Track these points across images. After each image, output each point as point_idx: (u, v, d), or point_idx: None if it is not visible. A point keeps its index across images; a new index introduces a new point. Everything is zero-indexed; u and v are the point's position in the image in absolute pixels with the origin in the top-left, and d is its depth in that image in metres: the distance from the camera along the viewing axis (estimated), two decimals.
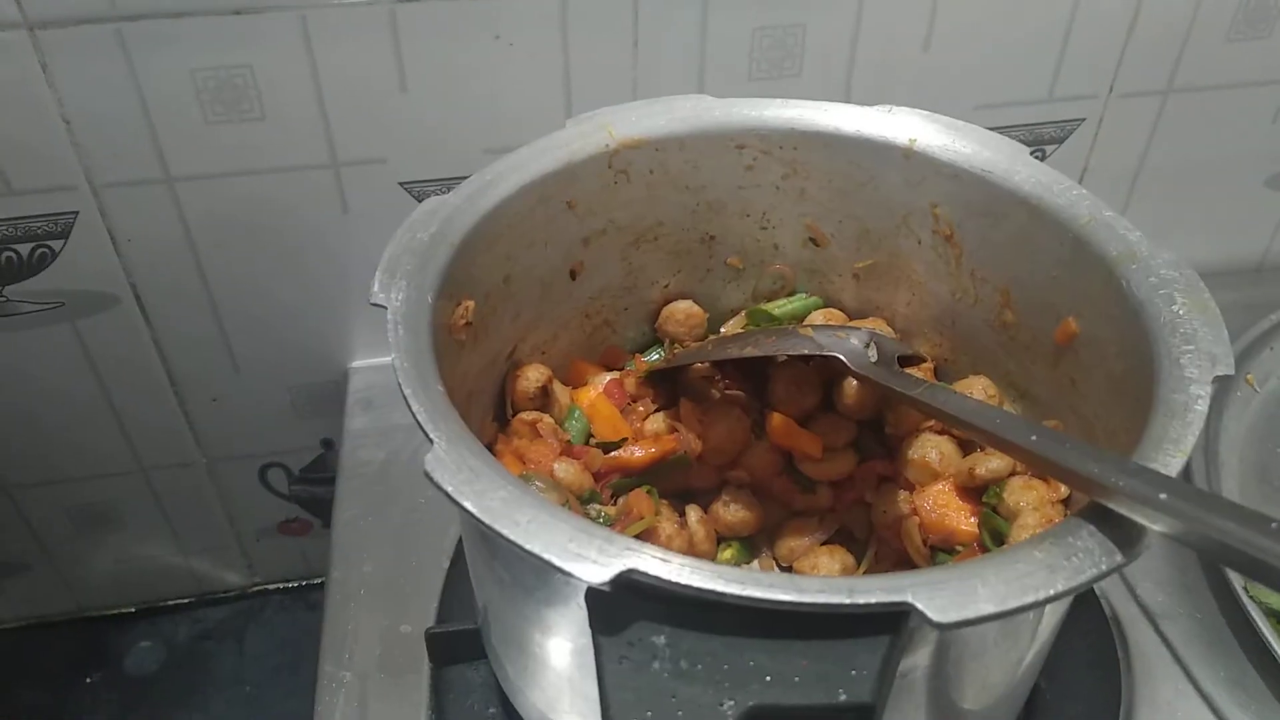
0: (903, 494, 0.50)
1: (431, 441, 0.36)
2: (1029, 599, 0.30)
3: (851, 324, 0.56)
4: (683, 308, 0.59)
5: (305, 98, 0.63)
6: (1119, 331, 0.43)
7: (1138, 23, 0.70)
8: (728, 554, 0.53)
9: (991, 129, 0.69)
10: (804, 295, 0.59)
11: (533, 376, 0.54)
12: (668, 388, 0.56)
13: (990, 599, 0.30)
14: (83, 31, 0.58)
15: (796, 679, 0.30)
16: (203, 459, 0.81)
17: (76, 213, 0.65)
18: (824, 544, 0.51)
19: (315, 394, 0.79)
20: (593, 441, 0.54)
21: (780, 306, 0.59)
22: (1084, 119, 0.74)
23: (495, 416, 0.54)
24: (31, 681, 0.87)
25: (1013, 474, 0.47)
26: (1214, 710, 0.53)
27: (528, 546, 0.32)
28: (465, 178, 0.67)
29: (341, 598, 0.62)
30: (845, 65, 0.68)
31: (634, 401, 0.55)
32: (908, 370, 0.50)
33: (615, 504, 0.52)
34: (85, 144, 0.62)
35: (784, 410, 0.52)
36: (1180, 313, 0.40)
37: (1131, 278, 0.42)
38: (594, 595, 0.32)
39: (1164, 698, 0.53)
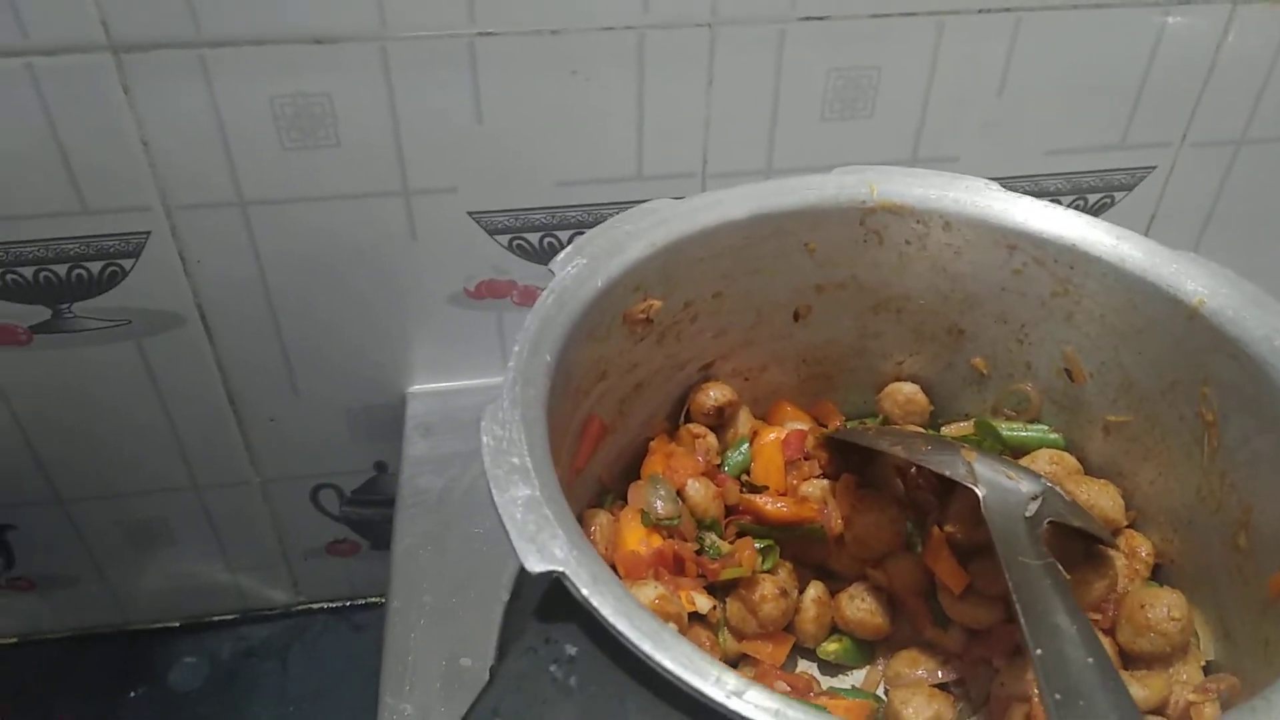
0: (1032, 676, 0.43)
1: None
2: None
3: (1026, 464, 0.51)
4: (906, 390, 0.57)
5: (381, 126, 0.63)
6: None
7: (1215, 71, 0.69)
8: (834, 647, 0.52)
9: (1061, 174, 0.69)
10: (1045, 429, 0.55)
11: (713, 394, 0.55)
12: (849, 460, 0.54)
13: None
14: (166, 56, 0.59)
15: None
16: (257, 478, 0.81)
17: (149, 233, 0.65)
18: (937, 686, 0.48)
19: (371, 417, 0.79)
20: (745, 479, 0.54)
21: (1012, 429, 0.55)
22: (1155, 166, 0.73)
23: (670, 416, 0.56)
24: (75, 694, 0.87)
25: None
26: None
27: None
28: (535, 210, 0.69)
29: (402, 628, 0.61)
30: (919, 108, 0.68)
31: (807, 459, 0.54)
32: (1090, 549, 0.45)
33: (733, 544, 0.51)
34: (162, 166, 0.63)
35: (953, 533, 0.49)
36: None
37: None
38: (553, 584, 0.33)
39: None
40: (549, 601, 0.35)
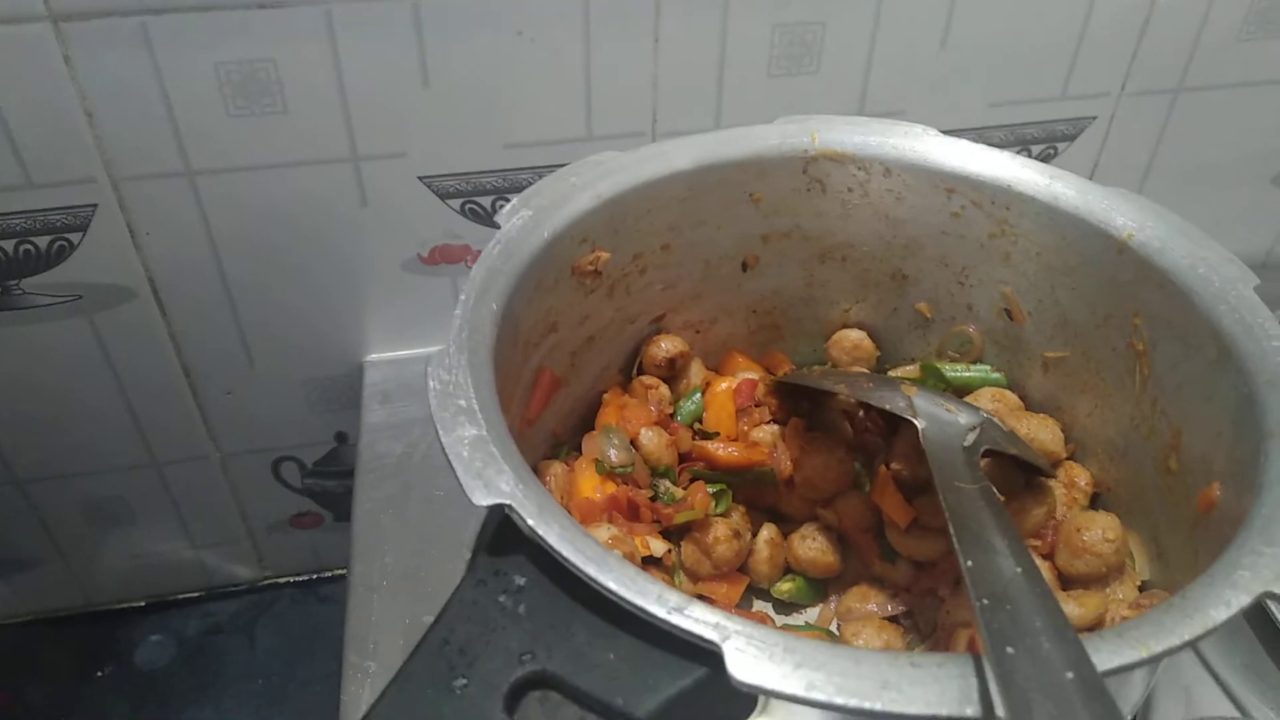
0: None
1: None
2: (838, 700, 0.28)
3: (969, 401, 0.52)
4: (853, 337, 0.58)
5: (328, 91, 0.63)
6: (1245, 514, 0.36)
7: (1151, 21, 0.71)
8: (787, 586, 0.53)
9: (1005, 126, 0.71)
10: (987, 369, 0.56)
11: (665, 346, 0.56)
12: (799, 407, 0.55)
13: (801, 682, 0.28)
14: (107, 24, 0.58)
15: (596, 665, 0.32)
16: (216, 453, 0.81)
17: (95, 205, 0.65)
18: (887, 619, 0.49)
19: (329, 387, 0.79)
20: (697, 427, 0.55)
21: (955, 370, 0.56)
22: (1096, 117, 0.75)
23: (623, 369, 0.57)
24: (42, 676, 0.87)
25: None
26: (1230, 696, 0.53)
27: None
28: (486, 173, 0.69)
29: (364, 590, 0.62)
30: (863, 63, 0.68)
31: (757, 406, 0.55)
32: (1030, 480, 0.46)
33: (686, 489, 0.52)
34: (106, 137, 0.62)
35: (899, 470, 0.50)
36: None
37: (1272, 456, 0.37)
38: (502, 518, 0.34)
39: (1181, 684, 0.54)
40: (498, 536, 0.36)
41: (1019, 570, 0.33)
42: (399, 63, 0.63)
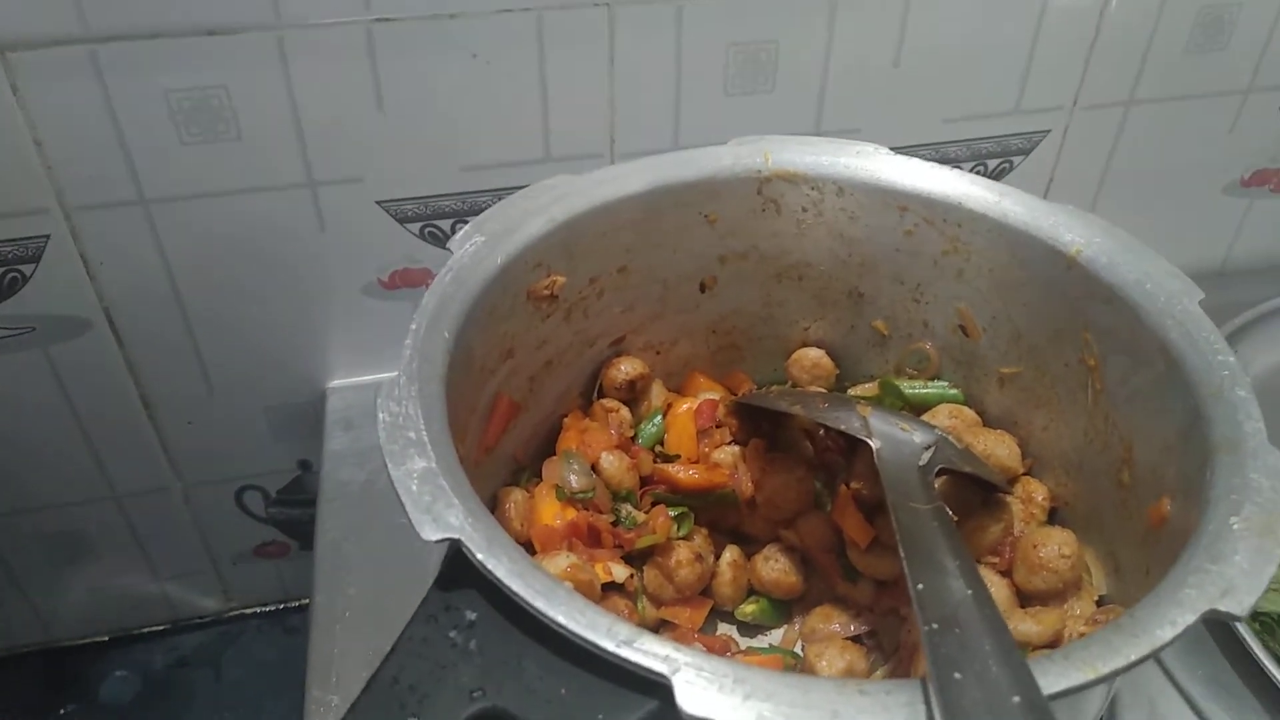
0: None
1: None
2: None
3: (927, 420, 0.52)
4: (812, 355, 0.59)
5: (281, 117, 0.63)
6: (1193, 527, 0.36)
7: (1100, 35, 0.72)
8: (751, 608, 0.53)
9: (960, 141, 0.71)
10: (945, 385, 0.56)
11: (624, 368, 0.55)
12: (760, 427, 0.55)
13: (751, 713, 0.28)
14: (55, 54, 0.57)
15: (548, 700, 0.31)
16: (178, 483, 0.80)
17: (48, 236, 0.64)
18: (850, 639, 0.49)
19: (292, 415, 0.78)
20: (658, 450, 0.55)
21: (913, 387, 0.56)
22: (1049, 130, 0.76)
23: (583, 393, 0.57)
24: (4, 715, 0.85)
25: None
26: (1194, 708, 0.54)
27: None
28: (444, 196, 0.69)
29: (326, 621, 0.61)
30: (819, 81, 0.69)
31: (718, 427, 0.55)
32: (988, 497, 0.47)
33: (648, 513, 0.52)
34: (58, 167, 0.61)
35: (859, 489, 0.50)
36: (1234, 527, 0.34)
37: (1219, 470, 0.37)
38: (454, 552, 0.34)
39: (1145, 694, 0.54)
40: (449, 571, 0.35)
41: (969, 593, 0.33)
42: (353, 87, 0.63)
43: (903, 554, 0.36)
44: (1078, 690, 0.29)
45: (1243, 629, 0.54)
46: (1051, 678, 0.29)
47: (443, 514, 0.34)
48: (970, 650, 0.30)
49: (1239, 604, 0.31)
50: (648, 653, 0.30)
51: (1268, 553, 0.33)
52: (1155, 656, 0.30)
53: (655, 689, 0.30)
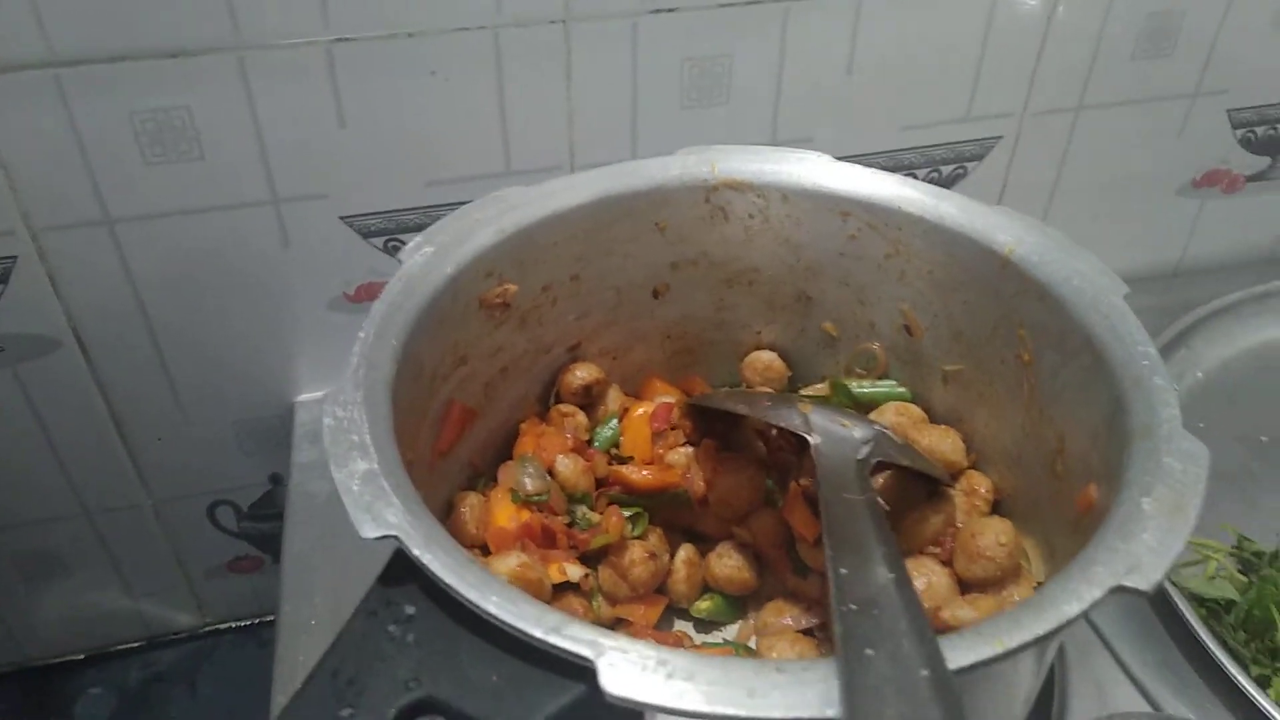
0: None
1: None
2: (705, 709, 0.29)
3: (873, 419, 0.53)
4: (765, 358, 0.60)
5: (244, 136, 0.64)
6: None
7: (1047, 42, 0.73)
8: (706, 605, 0.54)
9: (915, 148, 0.73)
10: (893, 384, 0.58)
11: (580, 374, 0.57)
12: (714, 428, 0.56)
13: (671, 691, 0.29)
14: (19, 78, 0.59)
15: (481, 688, 0.32)
16: (149, 500, 0.80)
17: (15, 258, 0.65)
18: (802, 632, 0.50)
19: (261, 429, 0.79)
20: (614, 452, 0.56)
21: (861, 387, 0.58)
22: (1001, 136, 0.77)
23: (540, 398, 0.58)
24: None
25: None
26: (1144, 693, 0.55)
27: None
28: (407, 210, 0.70)
29: (293, 632, 0.62)
30: (773, 92, 0.70)
31: (673, 430, 0.56)
32: (933, 491, 0.48)
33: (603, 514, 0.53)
34: (23, 189, 0.62)
35: (806, 485, 0.51)
36: (1144, 507, 0.36)
37: (1135, 455, 0.38)
38: (395, 551, 0.35)
39: (1094, 680, 0.55)
40: (390, 568, 0.36)
41: (891, 577, 0.34)
42: (314, 105, 0.64)
43: (827, 540, 0.37)
44: (986, 664, 0.30)
45: (1189, 615, 0.55)
46: (960, 652, 0.30)
47: (382, 513, 0.35)
48: (885, 630, 0.31)
49: (1145, 580, 0.32)
50: (574, 638, 0.31)
51: (1176, 531, 0.34)
52: (1062, 631, 0.31)
53: (583, 674, 0.31)
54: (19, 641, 0.86)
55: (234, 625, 0.91)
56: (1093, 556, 0.33)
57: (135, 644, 0.89)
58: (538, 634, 0.31)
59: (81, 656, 0.88)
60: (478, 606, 0.32)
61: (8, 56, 0.58)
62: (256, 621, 0.91)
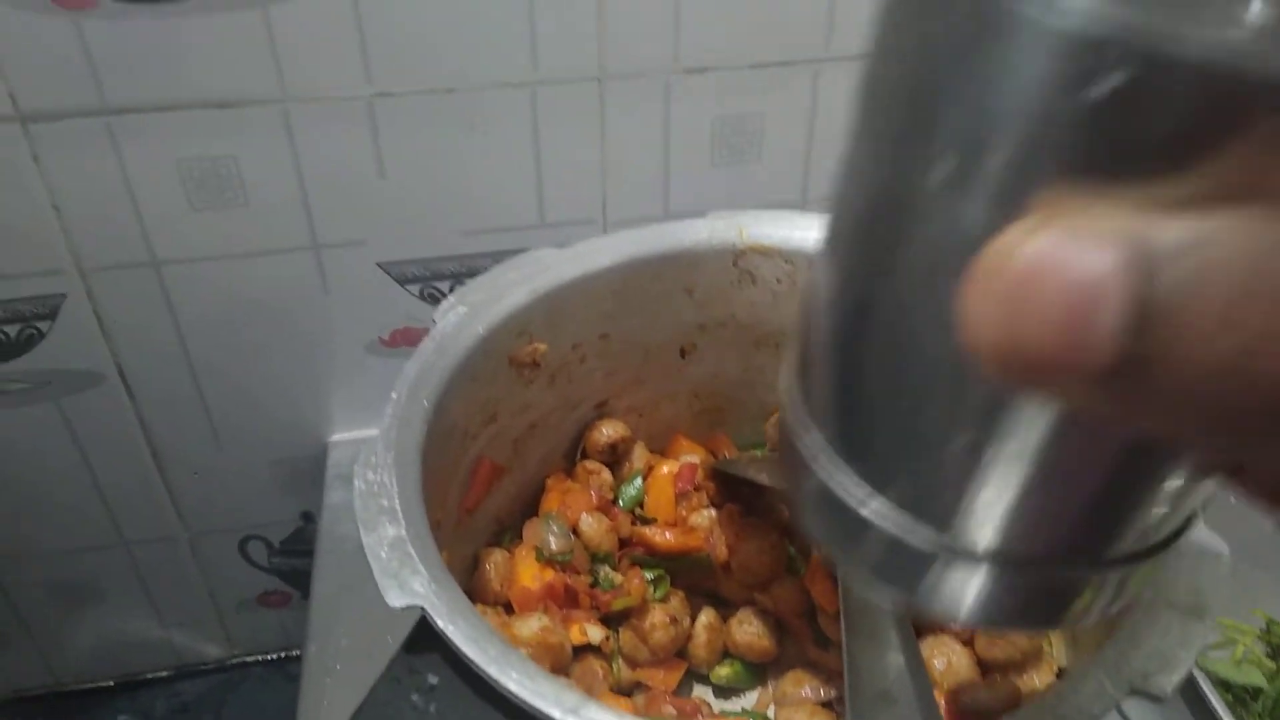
0: None
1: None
2: None
3: None
4: None
5: (287, 184, 0.66)
6: None
7: None
8: (725, 671, 0.54)
9: None
10: None
11: (606, 431, 0.57)
12: (739, 490, 0.56)
13: None
14: (74, 124, 0.61)
15: None
16: (184, 532, 0.82)
17: (64, 295, 0.67)
18: (821, 705, 0.49)
19: (295, 467, 0.80)
20: (638, 512, 0.56)
21: None
22: None
23: (567, 454, 0.59)
24: None
25: None
26: None
27: None
28: (443, 259, 0.71)
29: (318, 672, 0.62)
30: (804, 151, 0.71)
31: (697, 490, 0.57)
32: None
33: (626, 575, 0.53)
34: (74, 230, 0.65)
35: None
36: (1163, 608, 0.35)
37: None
38: (419, 620, 0.36)
39: None
40: (415, 635, 0.37)
41: (907, 667, 0.34)
42: (356, 156, 0.65)
43: (844, 625, 0.37)
44: None
45: (1215, 701, 0.54)
46: None
47: (408, 581, 0.36)
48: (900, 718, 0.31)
49: (1160, 686, 0.32)
50: None
51: (1193, 635, 0.34)
52: None
53: None
54: (51, 666, 0.88)
55: (261, 658, 0.92)
56: (1108, 658, 0.33)
57: (164, 673, 0.91)
58: (556, 715, 0.31)
59: (111, 683, 0.90)
60: (498, 683, 0.32)
61: (64, 105, 0.60)
62: (283, 655, 0.92)
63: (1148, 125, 0.13)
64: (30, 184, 0.62)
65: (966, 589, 0.20)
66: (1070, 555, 0.19)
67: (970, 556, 0.19)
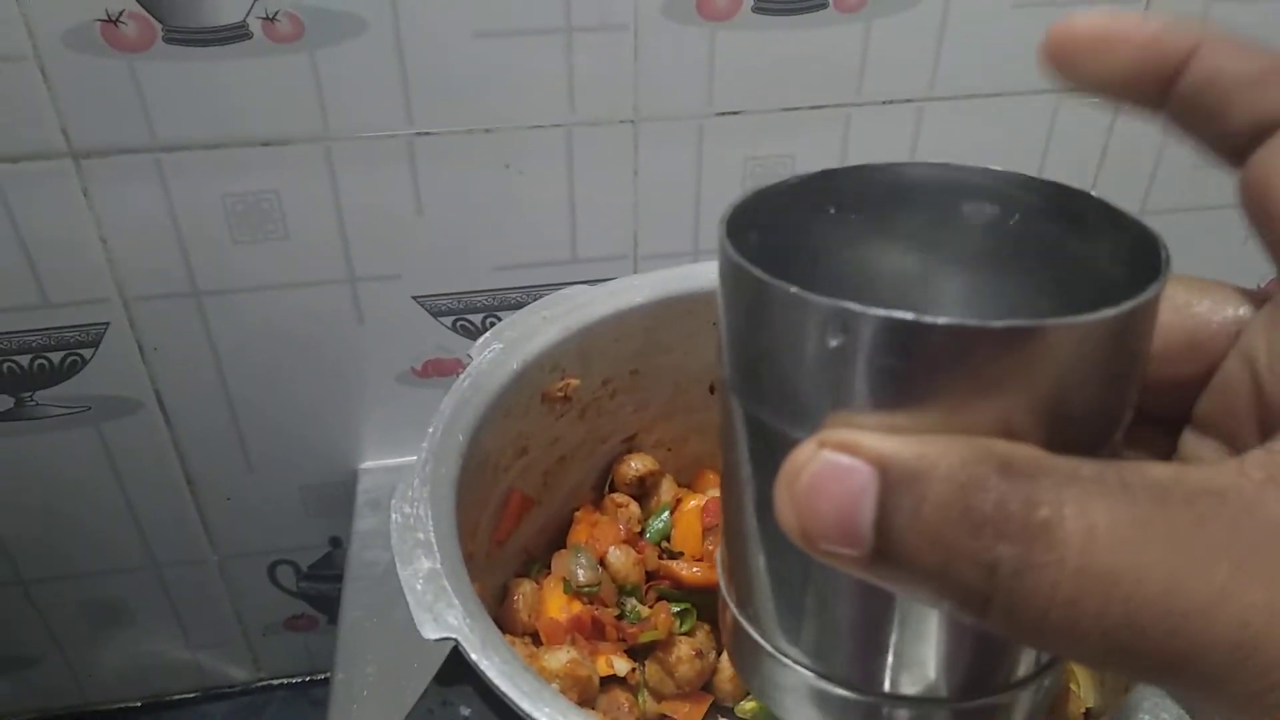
0: None
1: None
2: None
3: None
4: None
5: (327, 220, 0.67)
6: None
7: (1109, 150, 0.74)
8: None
9: None
10: None
11: (635, 465, 0.58)
12: None
13: None
14: (123, 160, 0.63)
15: None
16: (215, 556, 0.83)
17: (108, 324, 0.69)
18: None
19: (325, 494, 0.81)
20: (665, 546, 0.57)
21: None
22: None
23: (595, 487, 0.60)
24: None
25: None
26: None
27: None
28: (476, 293, 0.73)
29: (344, 699, 0.63)
30: None
31: None
32: None
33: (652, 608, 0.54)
34: (119, 261, 0.67)
35: None
36: None
37: None
38: (452, 651, 0.36)
39: None
40: (448, 667, 0.38)
41: None
42: (394, 193, 0.67)
43: None
44: None
45: None
46: None
47: (443, 614, 0.37)
48: None
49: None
50: None
51: None
52: None
53: None
54: (80, 685, 0.89)
55: (287, 682, 0.93)
56: (1137, 705, 0.34)
57: (190, 694, 0.92)
58: None
59: (138, 704, 0.91)
60: (529, 716, 0.33)
61: (114, 141, 0.62)
62: (308, 679, 0.93)
63: (867, 368, 0.17)
64: (80, 217, 0.64)
65: None
66: (944, 694, 0.21)
67: (862, 695, 0.21)
